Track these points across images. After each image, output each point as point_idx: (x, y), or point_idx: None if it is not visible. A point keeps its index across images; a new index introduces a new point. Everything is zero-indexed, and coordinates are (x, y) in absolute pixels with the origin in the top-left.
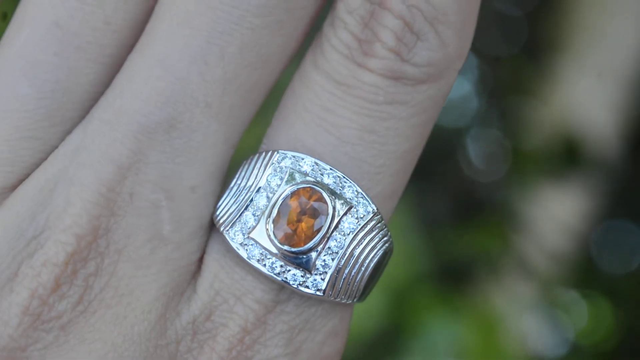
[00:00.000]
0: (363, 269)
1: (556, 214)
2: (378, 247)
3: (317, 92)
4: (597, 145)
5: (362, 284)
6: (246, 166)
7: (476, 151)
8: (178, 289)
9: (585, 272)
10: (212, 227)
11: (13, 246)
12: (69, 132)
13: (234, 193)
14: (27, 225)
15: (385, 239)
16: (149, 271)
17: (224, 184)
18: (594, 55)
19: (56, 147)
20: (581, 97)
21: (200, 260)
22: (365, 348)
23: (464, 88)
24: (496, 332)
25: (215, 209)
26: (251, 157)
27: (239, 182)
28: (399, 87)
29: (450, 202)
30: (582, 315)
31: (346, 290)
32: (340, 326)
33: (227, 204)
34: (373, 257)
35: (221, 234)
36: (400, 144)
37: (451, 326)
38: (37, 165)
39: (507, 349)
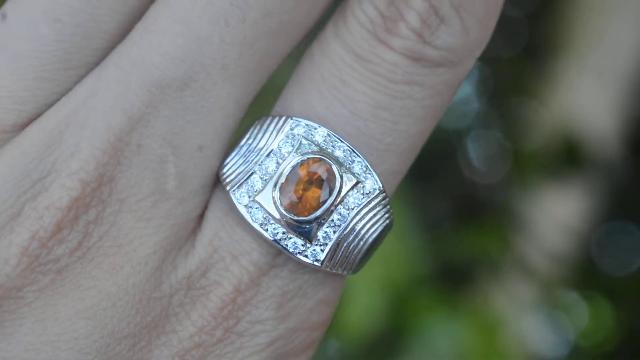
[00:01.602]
0: (362, 243)
1: (556, 215)
2: (379, 223)
3: (336, 63)
4: (597, 147)
5: (359, 257)
6: (258, 127)
7: (477, 152)
8: (176, 244)
9: (586, 273)
10: (215, 184)
11: (18, 186)
12: (84, 76)
13: (244, 153)
14: (33, 167)
15: (386, 215)
16: (149, 224)
17: (232, 143)
18: (594, 57)
19: (71, 90)
20: (581, 98)
21: (201, 217)
22: (365, 349)
23: (464, 90)
24: (497, 333)
25: (222, 166)
26: (264, 118)
27: (249, 142)
28: (418, 68)
29: (451, 204)
30: (582, 316)
31: (343, 262)
32: (331, 296)
33: (235, 163)
34: (373, 232)
35: (226, 193)
36: (411, 124)
37: (452, 327)
38: (50, 106)
39: (508, 350)
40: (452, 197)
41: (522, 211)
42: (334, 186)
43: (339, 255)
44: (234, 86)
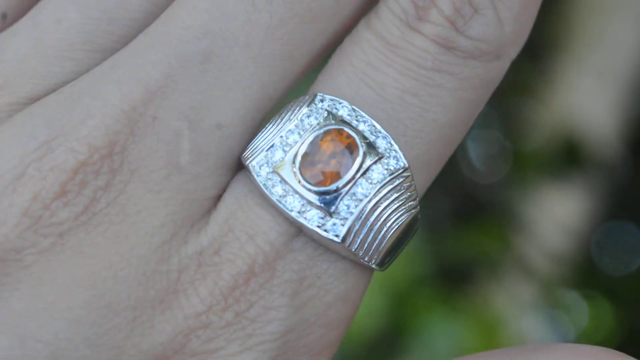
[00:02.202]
0: (386, 227)
1: (557, 215)
2: (404, 209)
3: (365, 49)
4: (597, 146)
5: (384, 245)
6: (284, 109)
7: (476, 152)
8: (188, 220)
9: (586, 273)
10: (236, 169)
11: (23, 147)
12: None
13: (268, 132)
14: (41, 131)
15: (412, 203)
16: (160, 196)
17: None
18: (595, 57)
19: None
20: (581, 98)
21: (217, 199)
22: (365, 349)
23: None
24: (497, 333)
25: (246, 147)
26: (292, 102)
27: (276, 121)
28: (449, 57)
29: (451, 203)
30: (582, 316)
31: (365, 245)
32: (353, 294)
33: (259, 141)
34: (399, 218)
35: (246, 173)
36: (442, 113)
37: (452, 327)
38: (68, 82)
39: None
40: (452, 197)
41: (522, 211)
42: (357, 158)
43: (362, 234)
44: (257, 67)
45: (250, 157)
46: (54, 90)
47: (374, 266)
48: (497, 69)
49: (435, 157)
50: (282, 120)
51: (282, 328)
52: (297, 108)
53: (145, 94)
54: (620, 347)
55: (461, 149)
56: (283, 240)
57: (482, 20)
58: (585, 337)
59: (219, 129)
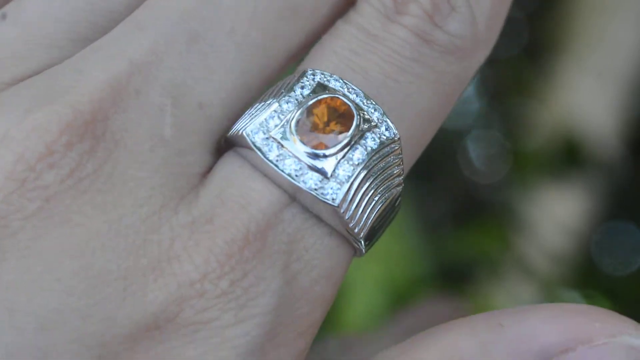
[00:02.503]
0: (376, 199)
1: (557, 215)
2: (392, 182)
3: (347, 40)
4: (597, 147)
5: (372, 217)
6: (270, 90)
7: (476, 152)
8: (177, 192)
9: (586, 273)
10: (219, 153)
11: (5, 115)
12: None
13: (257, 109)
14: (23, 100)
15: (398, 178)
16: (146, 166)
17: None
18: (595, 57)
19: None
20: (582, 98)
21: (203, 176)
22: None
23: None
24: None
25: (233, 126)
26: (275, 84)
27: (263, 100)
28: (427, 49)
29: (451, 204)
30: None
31: (357, 215)
32: (337, 271)
33: (246, 118)
34: (387, 191)
35: (232, 153)
36: (421, 101)
37: None
38: (51, 67)
39: None
40: (452, 197)
41: (522, 211)
42: (352, 124)
43: (356, 200)
44: (239, 53)
45: (241, 128)
46: (37, 74)
47: (361, 240)
48: (469, 68)
49: (415, 141)
50: (271, 96)
51: (274, 300)
52: (288, 83)
53: (129, 67)
54: None
55: (461, 149)
56: (274, 209)
57: (458, 17)
58: None
59: (200, 107)
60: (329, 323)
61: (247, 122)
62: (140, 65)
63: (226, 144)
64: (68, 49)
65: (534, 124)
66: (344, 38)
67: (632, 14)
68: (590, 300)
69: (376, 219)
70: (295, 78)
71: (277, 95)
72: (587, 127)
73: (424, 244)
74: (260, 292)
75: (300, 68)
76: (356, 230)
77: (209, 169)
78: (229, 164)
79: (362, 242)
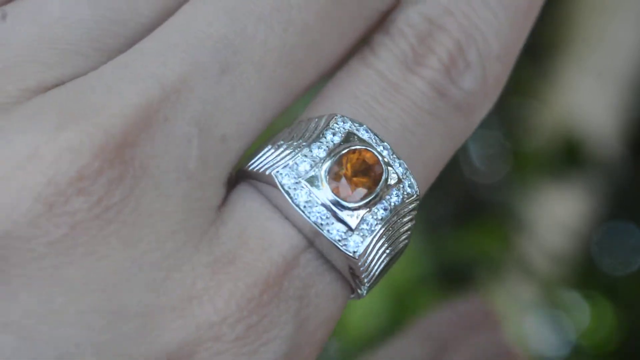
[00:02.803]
0: (389, 250)
1: (557, 215)
2: (406, 235)
3: (369, 85)
4: (597, 147)
5: (381, 266)
6: (297, 124)
7: (477, 153)
8: (198, 229)
9: (586, 273)
10: (229, 183)
11: (35, 132)
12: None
13: (282, 145)
14: (53, 116)
15: (411, 231)
16: (171, 200)
17: (261, 144)
18: (595, 57)
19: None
20: (582, 98)
21: (219, 210)
22: (366, 349)
23: None
24: None
25: (253, 160)
26: (299, 119)
27: (287, 137)
28: (441, 103)
29: (451, 204)
30: (583, 316)
31: (369, 267)
32: (336, 315)
33: (271, 154)
34: (400, 242)
35: (251, 188)
36: (429, 155)
37: None
38: (76, 77)
39: None
40: (452, 197)
41: (522, 211)
42: (381, 178)
43: (373, 253)
44: (265, 89)
45: (266, 166)
46: (62, 82)
47: (365, 288)
48: (473, 123)
49: (419, 189)
50: (300, 135)
51: (284, 347)
52: (319, 126)
53: (162, 92)
54: (621, 347)
55: (462, 149)
56: (294, 253)
57: (473, 75)
58: (586, 337)
59: (223, 140)
60: None
61: (271, 160)
62: (171, 92)
63: (241, 175)
64: (92, 58)
65: (534, 124)
66: (365, 83)
67: (632, 14)
68: (590, 300)
69: (383, 269)
70: (325, 122)
71: (306, 138)
72: (587, 127)
73: (425, 244)
74: (272, 338)
75: (320, 108)
76: (365, 280)
77: (222, 201)
78: (249, 201)
79: (366, 288)
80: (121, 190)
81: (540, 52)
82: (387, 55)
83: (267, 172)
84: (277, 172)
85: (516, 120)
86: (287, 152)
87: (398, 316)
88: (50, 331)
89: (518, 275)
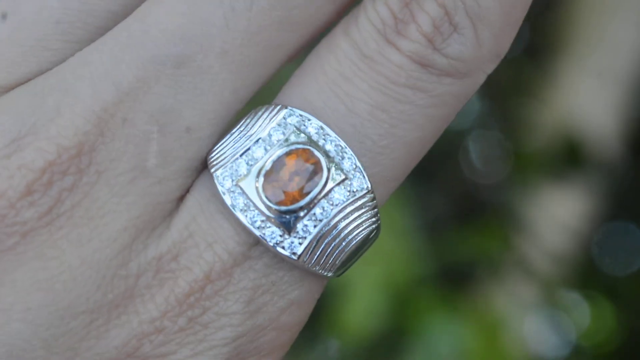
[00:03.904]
0: (344, 244)
1: (557, 216)
2: (364, 226)
3: (340, 59)
4: (598, 147)
5: (340, 259)
6: (252, 115)
7: (477, 153)
8: (150, 224)
9: (587, 274)
10: (201, 170)
11: None
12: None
13: (234, 138)
14: (10, 126)
15: (373, 219)
16: (124, 199)
17: (225, 130)
18: (595, 57)
19: None
20: (582, 98)
21: (180, 200)
22: (366, 349)
23: None
24: (498, 333)
25: (211, 150)
26: (259, 107)
27: (241, 128)
28: (423, 74)
29: (452, 204)
30: (583, 316)
31: (322, 260)
32: (306, 297)
33: (224, 147)
34: (357, 234)
35: (210, 176)
36: (410, 130)
37: (453, 328)
38: (41, 73)
39: (509, 350)
40: (452, 197)
41: (522, 211)
42: (320, 179)
43: (318, 252)
44: (231, 73)
45: (216, 164)
46: (27, 80)
47: (329, 275)
48: (472, 84)
49: (399, 172)
50: (249, 129)
51: (233, 334)
52: (266, 120)
53: (117, 95)
54: (621, 347)
55: (462, 149)
56: (241, 249)
57: (461, 39)
58: (587, 338)
59: (187, 132)
60: (330, 324)
61: (222, 155)
62: (128, 93)
63: (206, 162)
64: (61, 51)
65: (535, 124)
66: (336, 55)
67: (632, 14)
68: (590, 300)
69: (345, 258)
70: (274, 117)
71: (252, 132)
72: (587, 128)
73: (425, 244)
74: (219, 327)
75: (285, 93)
76: (322, 272)
77: (187, 190)
78: (203, 191)
79: (332, 274)
80: (72, 197)
81: (540, 52)
82: (365, 24)
83: (210, 171)
84: (217, 174)
85: (517, 120)
86: (232, 148)
87: (398, 316)
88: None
89: (518, 276)
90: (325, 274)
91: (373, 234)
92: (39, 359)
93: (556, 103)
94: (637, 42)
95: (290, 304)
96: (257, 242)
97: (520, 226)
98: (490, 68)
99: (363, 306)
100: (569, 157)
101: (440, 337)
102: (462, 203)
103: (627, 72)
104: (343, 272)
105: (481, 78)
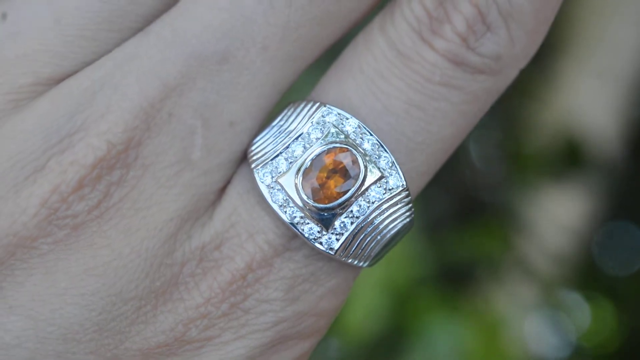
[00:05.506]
0: (379, 237)
1: (558, 216)
2: (399, 220)
3: (377, 57)
4: (598, 147)
5: (375, 250)
6: (292, 110)
7: (477, 153)
8: (194, 214)
9: (587, 274)
10: (242, 160)
11: (46, 139)
12: (126, 40)
13: (274, 133)
14: (63, 123)
15: (407, 213)
16: (170, 191)
17: (265, 124)
18: (595, 58)
19: (110, 52)
20: (582, 99)
21: (222, 191)
22: (366, 349)
23: None
24: (498, 334)
25: (251, 143)
26: (298, 102)
27: (280, 123)
28: (457, 72)
29: (452, 204)
30: (584, 317)
31: (357, 254)
32: (343, 286)
33: (264, 142)
34: (392, 228)
35: (250, 169)
36: (444, 126)
37: (453, 328)
38: (88, 64)
39: (509, 350)
40: (453, 198)
41: (523, 212)
42: (358, 178)
43: (354, 246)
44: (272, 68)
45: (256, 161)
46: (74, 71)
47: (364, 265)
48: (504, 80)
49: (432, 166)
50: (288, 125)
51: (274, 319)
52: (305, 117)
53: (164, 90)
54: (622, 348)
55: (462, 149)
56: (281, 241)
57: (494, 38)
58: (587, 338)
59: (231, 126)
60: (331, 324)
61: (262, 151)
62: (173, 89)
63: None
64: (104, 41)
65: (535, 124)
66: (374, 53)
67: (632, 14)
68: (591, 300)
69: (380, 249)
70: (313, 116)
71: (292, 129)
72: (587, 128)
73: (425, 244)
74: (261, 312)
75: (322, 89)
76: (357, 263)
77: (229, 180)
78: (244, 182)
79: (367, 264)
80: (120, 190)
81: (540, 52)
82: (401, 22)
83: (251, 166)
84: (258, 170)
85: (517, 120)
86: (271, 146)
87: (398, 316)
88: (54, 312)
89: (518, 276)
90: (360, 264)
91: (407, 226)
92: (92, 342)
93: (556, 103)
94: (637, 42)
95: (328, 291)
96: (296, 235)
97: (520, 226)
98: (522, 64)
99: (363, 306)
100: (569, 157)
101: (440, 337)
102: (462, 203)
103: (627, 72)
104: (377, 262)
105: (514, 74)
